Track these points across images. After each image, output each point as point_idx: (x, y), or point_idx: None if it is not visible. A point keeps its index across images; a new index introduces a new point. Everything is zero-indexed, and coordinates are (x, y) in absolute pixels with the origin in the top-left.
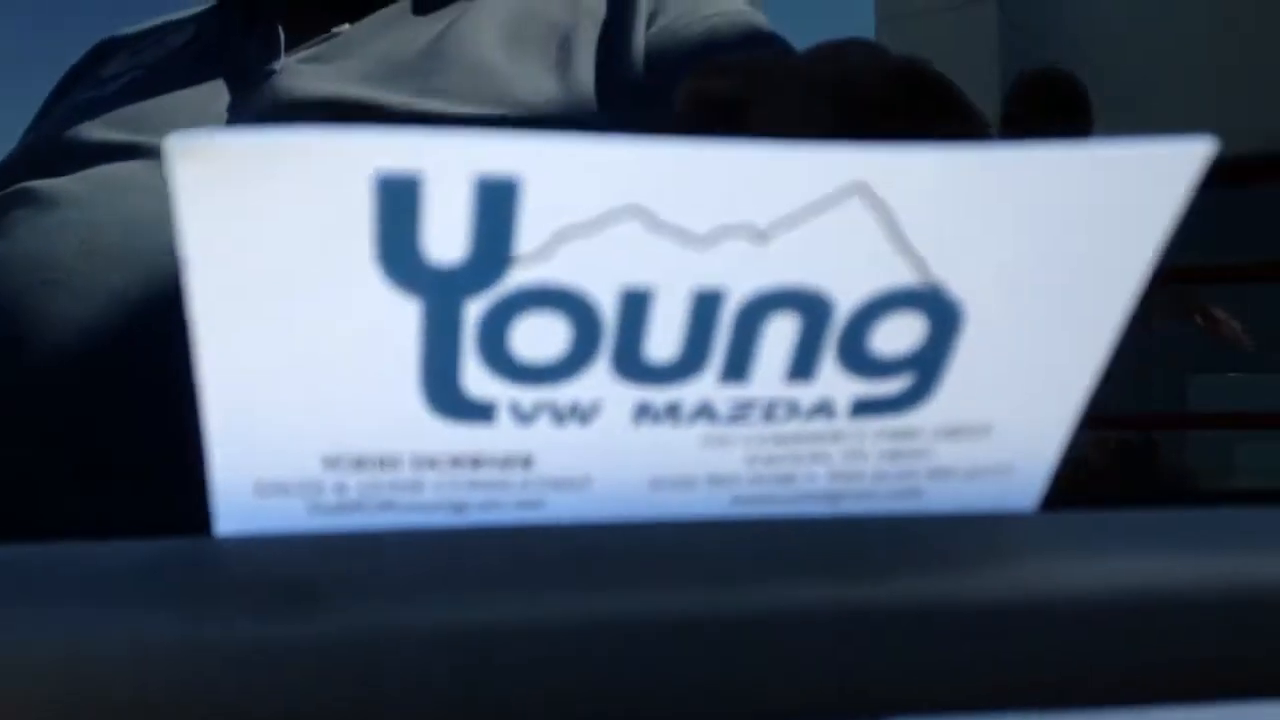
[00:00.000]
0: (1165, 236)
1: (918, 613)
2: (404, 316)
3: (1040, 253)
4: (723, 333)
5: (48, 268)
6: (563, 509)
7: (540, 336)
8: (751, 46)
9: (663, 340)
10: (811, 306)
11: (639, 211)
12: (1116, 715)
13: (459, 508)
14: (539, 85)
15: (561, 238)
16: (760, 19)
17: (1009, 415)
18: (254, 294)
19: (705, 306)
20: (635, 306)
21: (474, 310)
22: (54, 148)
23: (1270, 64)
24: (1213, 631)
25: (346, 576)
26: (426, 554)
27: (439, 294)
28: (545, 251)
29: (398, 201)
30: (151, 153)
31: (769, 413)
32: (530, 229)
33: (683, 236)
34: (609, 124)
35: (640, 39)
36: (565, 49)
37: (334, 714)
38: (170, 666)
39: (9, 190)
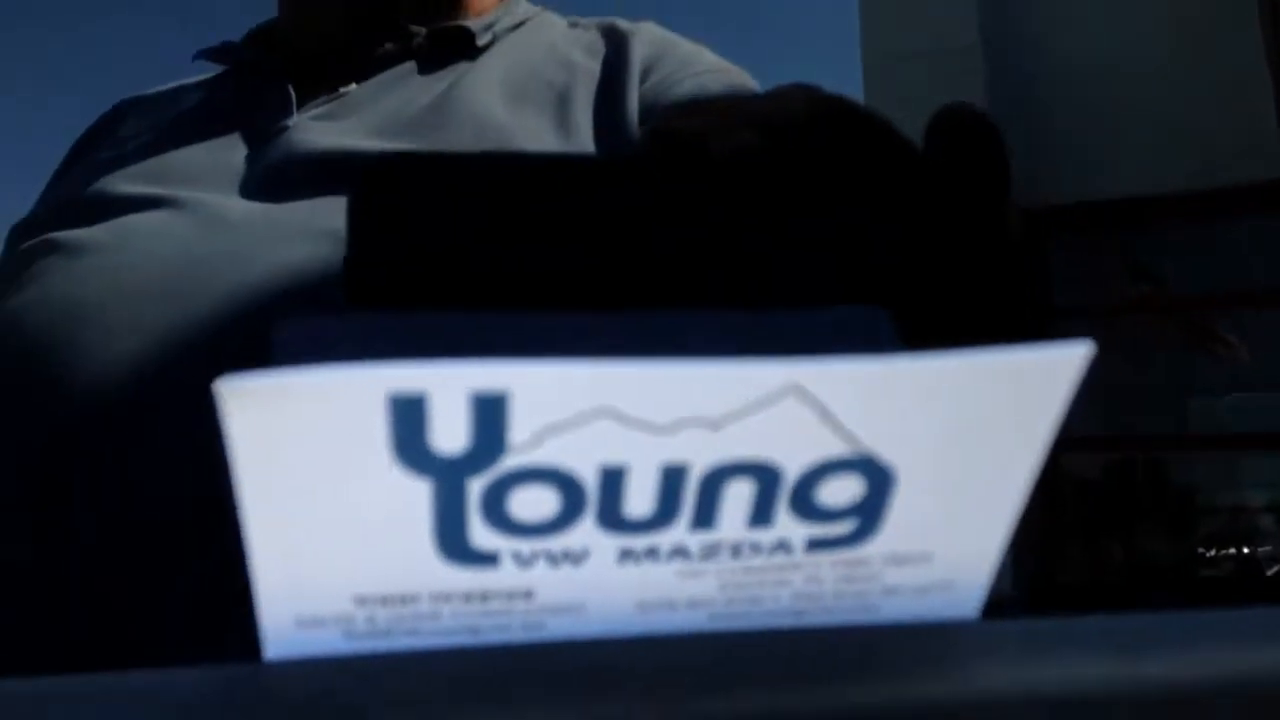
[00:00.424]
0: (1061, 412)
1: (875, 715)
2: (417, 492)
3: (957, 430)
4: (689, 494)
5: (77, 308)
6: (562, 629)
7: (534, 503)
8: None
9: (638, 501)
10: (763, 473)
11: (611, 411)
12: None
13: (473, 631)
14: (540, 139)
15: (546, 433)
16: (745, 76)
17: (945, 545)
18: (293, 488)
19: (672, 477)
20: (613, 479)
21: (476, 486)
22: (77, 203)
23: (1250, 99)
24: None
25: (383, 689)
26: (449, 669)
27: (446, 475)
28: (533, 442)
29: (408, 414)
30: (175, 203)
31: (735, 551)
32: (520, 427)
33: (648, 427)
34: None
35: (634, 95)
36: (564, 106)
37: None
38: None
39: (35, 241)
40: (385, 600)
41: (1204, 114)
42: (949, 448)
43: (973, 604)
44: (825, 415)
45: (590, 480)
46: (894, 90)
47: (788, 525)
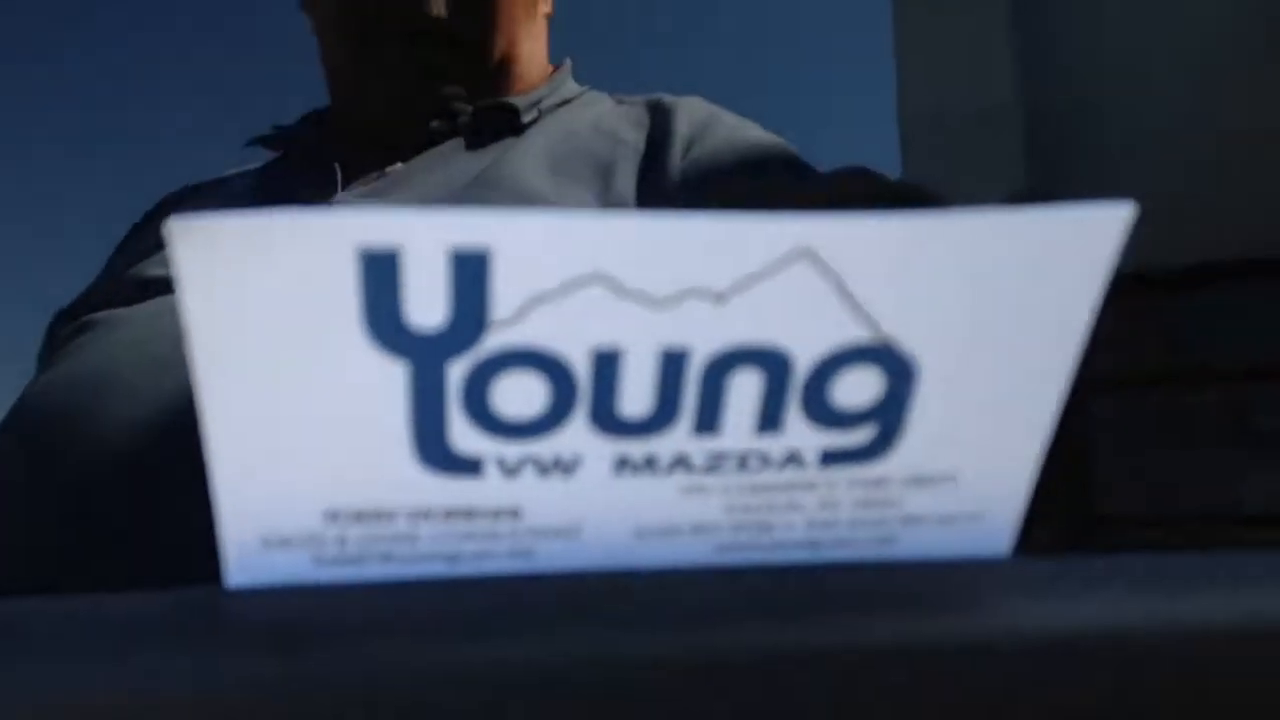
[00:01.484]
0: (1101, 291)
1: (894, 656)
2: (392, 379)
3: (987, 311)
4: (691, 387)
5: (106, 378)
6: (552, 558)
7: (520, 395)
8: (778, 171)
9: (635, 395)
10: (772, 362)
11: (603, 278)
12: None
13: (453, 558)
14: (582, 208)
15: (532, 304)
16: (788, 148)
17: (972, 464)
18: (253, 363)
19: (672, 364)
20: (606, 365)
21: (456, 371)
22: (120, 284)
23: None
24: (1175, 671)
25: (348, 620)
26: (424, 600)
27: (423, 357)
28: (518, 316)
29: (380, 273)
30: None
31: (743, 463)
32: (503, 296)
33: (645, 300)
34: None
35: (677, 166)
36: (607, 177)
37: None
38: (183, 710)
39: (79, 321)
40: (359, 516)
41: (1257, 179)
42: (977, 333)
43: (1004, 539)
44: (840, 288)
45: (581, 366)
46: (930, 151)
47: (800, 432)
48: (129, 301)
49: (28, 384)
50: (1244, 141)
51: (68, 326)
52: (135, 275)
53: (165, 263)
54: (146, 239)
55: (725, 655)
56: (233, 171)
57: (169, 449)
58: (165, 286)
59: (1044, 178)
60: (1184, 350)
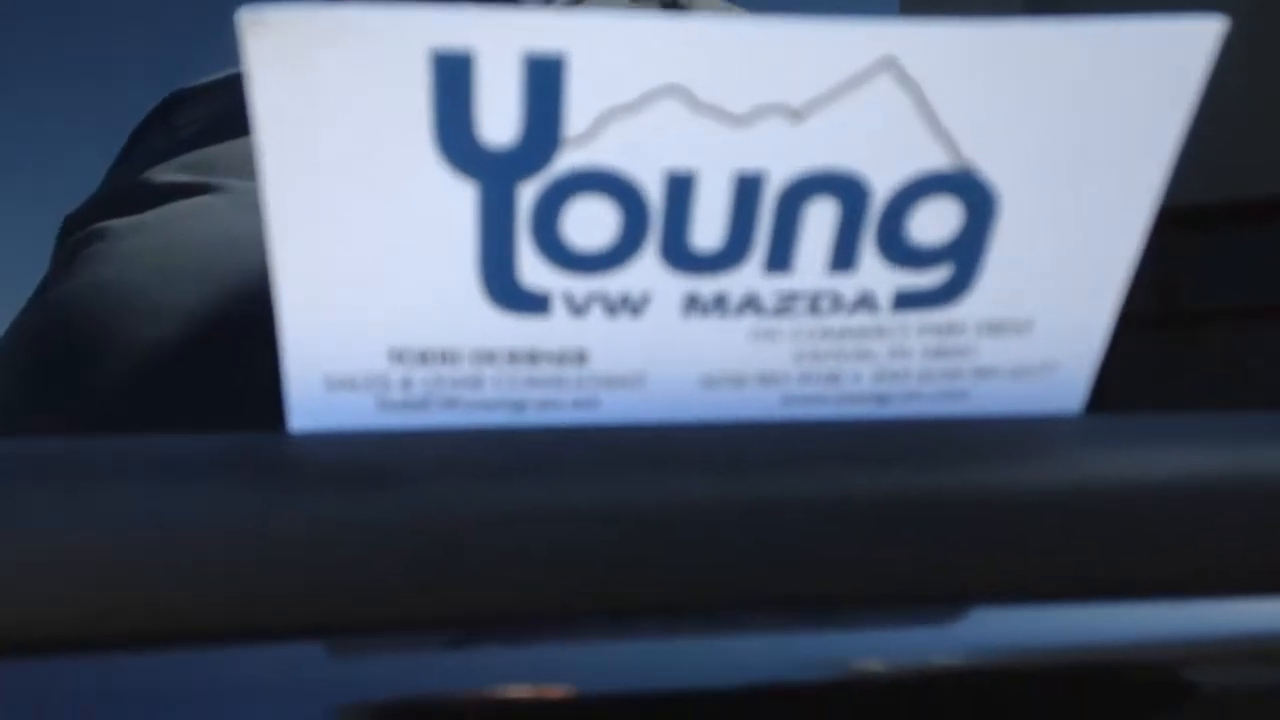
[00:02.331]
0: (1187, 116)
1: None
2: (462, 200)
3: (1069, 134)
4: (765, 217)
5: (123, 294)
6: (618, 408)
7: (591, 222)
8: None
9: (707, 225)
10: (849, 190)
11: (679, 91)
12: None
13: (518, 406)
14: None
15: (607, 118)
16: None
17: (1049, 309)
18: (323, 173)
19: (746, 189)
20: (680, 190)
21: (527, 194)
22: (127, 192)
23: None
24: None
25: (413, 462)
26: (488, 446)
27: (494, 177)
28: (592, 132)
29: (453, 80)
30: (217, 189)
31: (814, 305)
32: (577, 109)
33: (721, 116)
34: None
35: None
36: None
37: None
38: (243, 548)
39: (86, 231)
40: (424, 356)
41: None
42: (1061, 157)
43: (1076, 394)
44: (923, 106)
45: (654, 190)
46: None
47: (873, 271)
48: (142, 208)
49: (41, 293)
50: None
51: (78, 234)
52: (144, 182)
53: (176, 169)
54: (153, 141)
55: (785, 505)
56: (230, 72)
57: (189, 365)
58: (178, 192)
59: None
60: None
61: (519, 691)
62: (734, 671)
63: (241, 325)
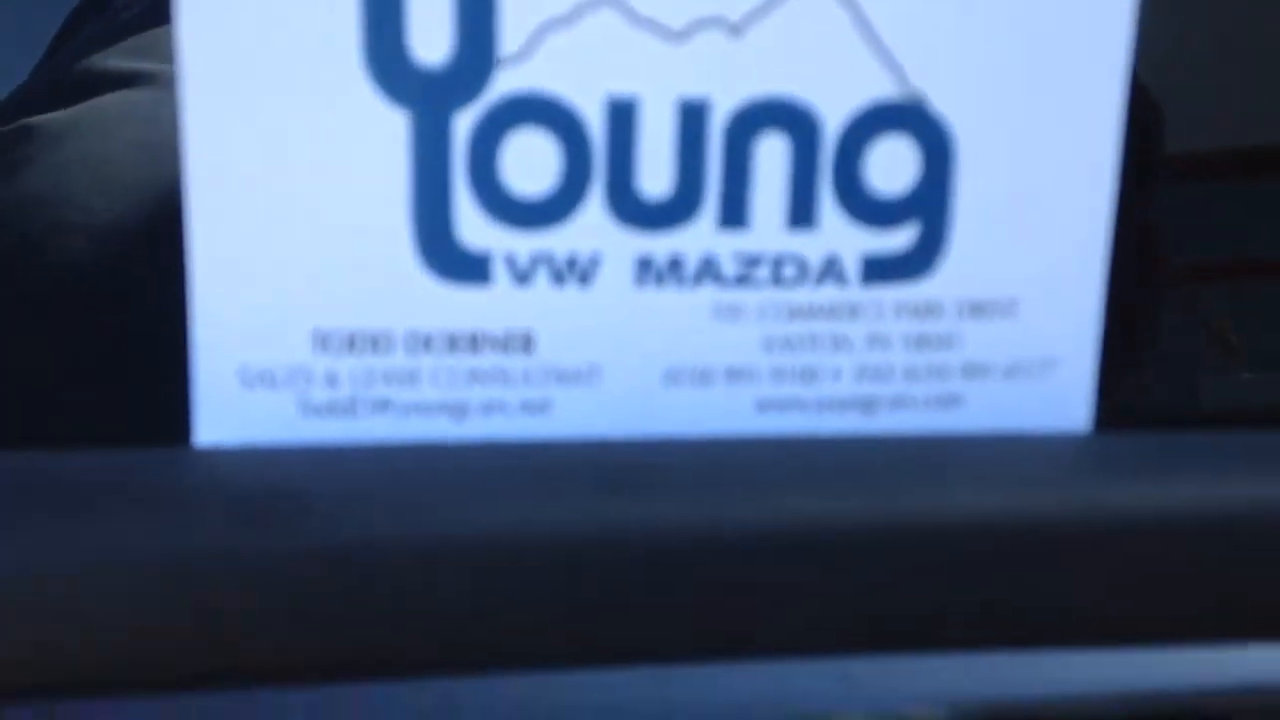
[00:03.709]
0: (1128, 45)
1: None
2: (393, 134)
3: (1017, 68)
4: (713, 155)
5: (61, 207)
6: (570, 411)
7: (531, 161)
8: None
9: (654, 164)
10: (798, 122)
11: (614, 3)
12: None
13: (458, 411)
14: None
15: (542, 33)
16: None
17: (1031, 283)
18: (248, 111)
19: (691, 119)
20: (622, 118)
21: (463, 125)
22: (59, 82)
23: None
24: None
25: (337, 489)
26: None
27: (427, 104)
28: (527, 50)
29: None
30: (156, 80)
31: (776, 273)
32: (512, 24)
33: (659, 30)
34: None
35: None
36: None
37: (310, 629)
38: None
39: (13, 125)
40: (352, 341)
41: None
42: (1012, 93)
43: (1081, 406)
44: (864, 26)
45: (595, 119)
46: None
47: (835, 227)
48: (76, 100)
49: None
50: None
51: (6, 127)
52: (81, 71)
53: (115, 55)
54: (88, 27)
55: (764, 539)
56: None
57: (130, 280)
58: (119, 81)
59: None
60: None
61: None
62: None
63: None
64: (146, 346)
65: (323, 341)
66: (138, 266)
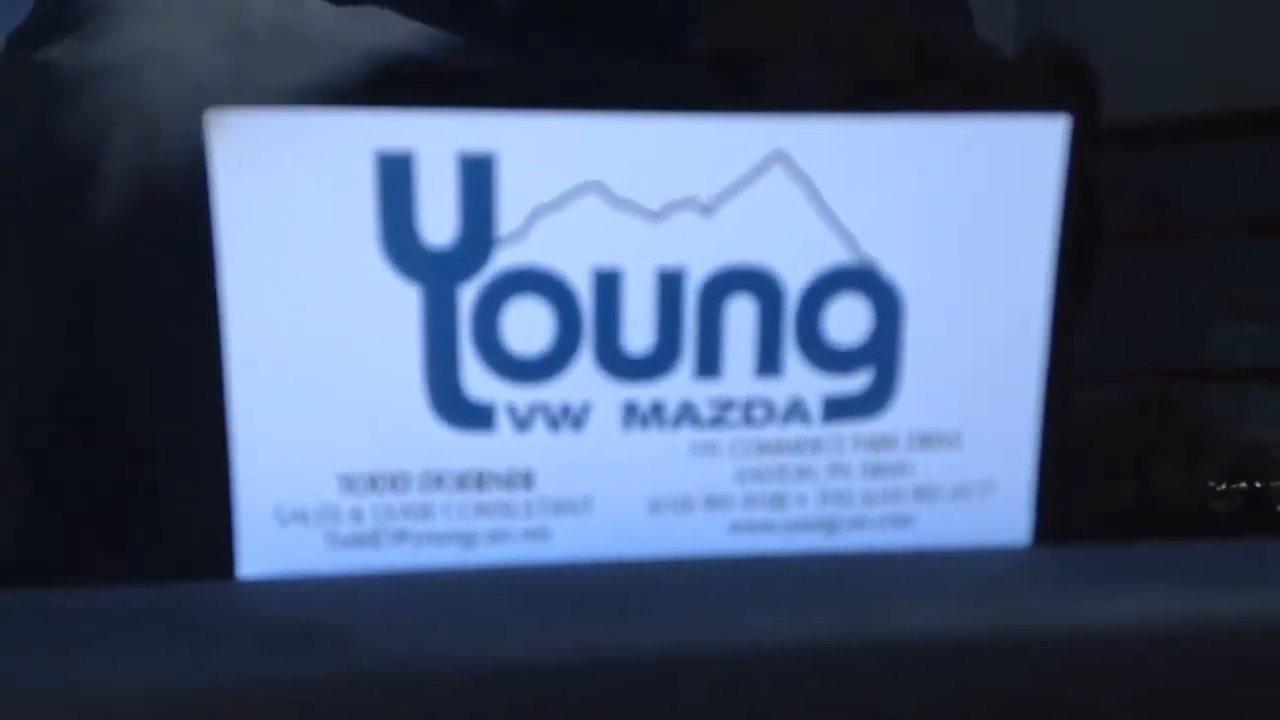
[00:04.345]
0: (1056, 211)
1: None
2: (406, 305)
3: (955, 229)
4: (689, 316)
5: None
6: (568, 540)
7: (528, 325)
8: None
9: (637, 326)
10: (763, 287)
11: (599, 188)
12: None
13: (468, 540)
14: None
15: (536, 216)
16: None
17: (973, 418)
18: (280, 284)
19: (669, 287)
20: (608, 288)
21: (468, 296)
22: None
23: None
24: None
25: (367, 616)
26: (440, 592)
27: (436, 278)
28: (523, 231)
29: (395, 179)
30: None
31: (747, 415)
32: (509, 208)
33: (639, 211)
34: None
35: None
36: None
37: None
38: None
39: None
40: (374, 481)
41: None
42: (952, 255)
43: (1021, 523)
44: (816, 200)
45: (584, 289)
46: None
47: (799, 374)
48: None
49: None
50: None
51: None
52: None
53: None
54: None
55: (742, 652)
56: None
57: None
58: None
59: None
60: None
61: None
62: None
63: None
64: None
65: (348, 483)
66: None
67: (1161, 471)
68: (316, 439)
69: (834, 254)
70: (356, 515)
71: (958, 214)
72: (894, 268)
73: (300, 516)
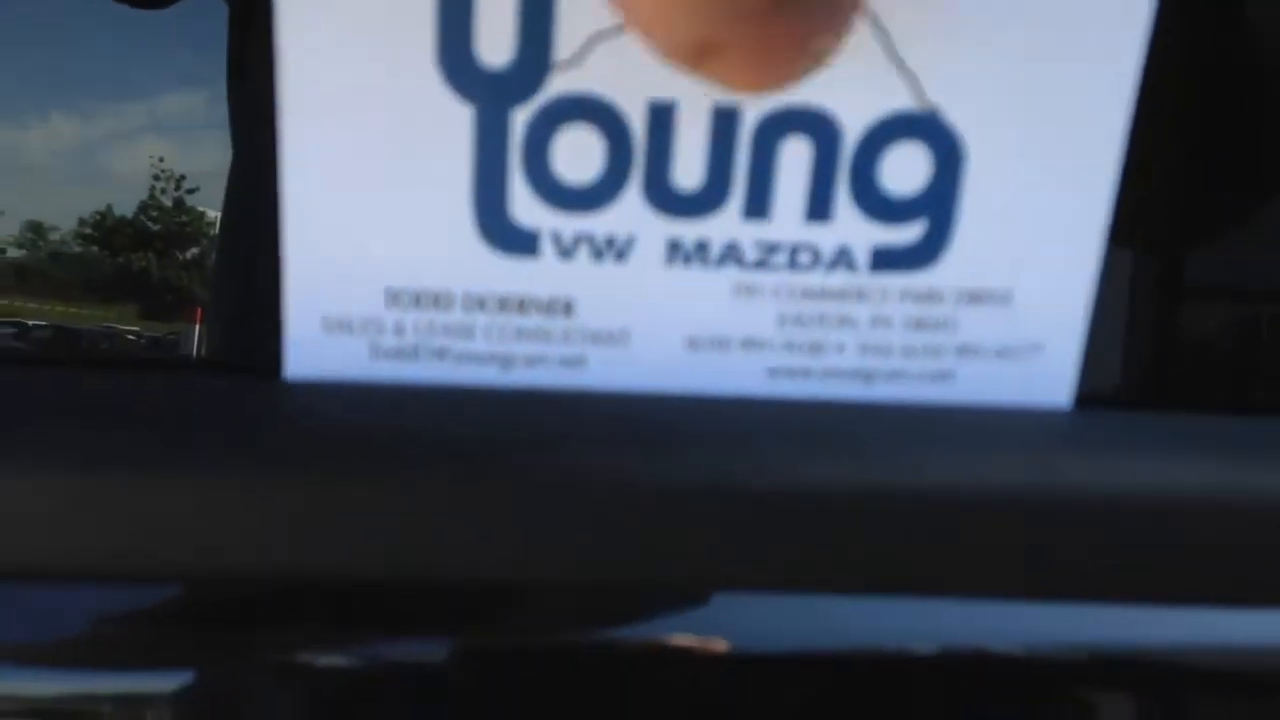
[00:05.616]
0: (1135, 67)
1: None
2: (459, 125)
3: (1024, 83)
4: (742, 155)
5: None
6: (602, 368)
7: (578, 154)
8: None
9: (688, 162)
10: (821, 129)
11: None
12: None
13: (506, 362)
14: None
15: (592, 43)
16: None
17: (1026, 277)
18: (338, 101)
19: (723, 123)
20: (661, 121)
21: (520, 119)
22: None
23: None
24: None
25: (403, 424)
26: (477, 408)
27: (490, 100)
28: (579, 57)
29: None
30: None
31: (793, 259)
32: (567, 33)
33: None
34: None
35: None
36: None
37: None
38: (235, 497)
39: None
40: (419, 299)
41: None
42: (1023, 111)
43: (1064, 386)
44: (886, 43)
45: (637, 120)
46: None
47: (849, 221)
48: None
49: None
50: None
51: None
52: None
53: None
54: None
55: (769, 491)
56: None
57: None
58: None
59: None
60: None
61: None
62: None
63: None
64: None
65: (394, 298)
66: None
67: (1214, 346)
68: (365, 253)
69: (896, 98)
70: (399, 329)
71: (1028, 64)
72: (957, 116)
73: (346, 326)
